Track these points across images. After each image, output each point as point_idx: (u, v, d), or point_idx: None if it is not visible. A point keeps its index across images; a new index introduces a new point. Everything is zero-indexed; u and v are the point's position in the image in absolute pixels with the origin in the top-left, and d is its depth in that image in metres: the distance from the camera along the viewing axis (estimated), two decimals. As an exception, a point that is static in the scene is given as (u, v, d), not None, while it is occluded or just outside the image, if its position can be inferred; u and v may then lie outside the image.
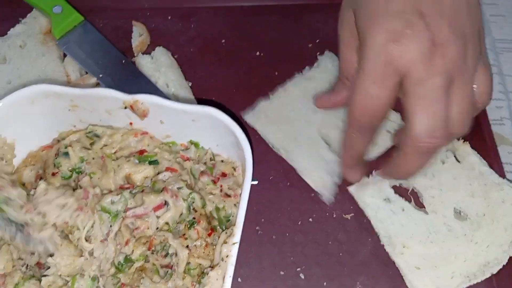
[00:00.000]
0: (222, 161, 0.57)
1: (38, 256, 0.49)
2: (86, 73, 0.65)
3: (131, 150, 0.56)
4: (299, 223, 0.59)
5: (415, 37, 0.44)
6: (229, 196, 0.55)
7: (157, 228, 0.51)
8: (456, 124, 0.47)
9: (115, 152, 0.56)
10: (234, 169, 0.57)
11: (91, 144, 0.56)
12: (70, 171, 0.54)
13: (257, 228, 0.59)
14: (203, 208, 0.53)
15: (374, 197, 0.59)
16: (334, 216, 0.59)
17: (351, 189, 0.60)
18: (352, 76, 0.51)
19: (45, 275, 0.48)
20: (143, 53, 0.67)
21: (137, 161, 0.55)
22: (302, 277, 0.56)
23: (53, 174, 0.54)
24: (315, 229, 0.59)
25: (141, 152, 0.56)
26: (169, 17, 0.72)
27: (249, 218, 0.59)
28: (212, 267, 0.49)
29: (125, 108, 0.54)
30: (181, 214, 0.52)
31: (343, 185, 0.60)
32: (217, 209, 0.54)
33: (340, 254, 0.57)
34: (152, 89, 0.63)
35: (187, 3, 0.73)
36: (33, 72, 0.65)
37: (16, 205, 0.49)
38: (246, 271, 0.56)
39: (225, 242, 0.49)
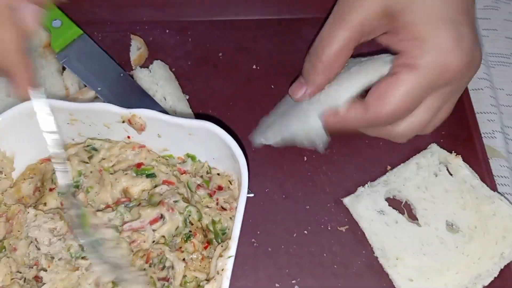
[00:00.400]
0: (218, 174, 0.58)
1: (36, 269, 0.50)
2: (85, 86, 0.66)
3: (129, 163, 0.57)
4: (294, 235, 0.60)
5: (461, 49, 0.50)
6: (224, 209, 0.55)
7: (154, 241, 0.52)
8: (431, 126, 0.57)
9: (112, 166, 0.57)
10: (230, 182, 0.57)
11: (89, 157, 0.57)
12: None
13: (252, 240, 0.59)
14: (199, 221, 0.54)
15: (368, 209, 0.60)
16: (329, 228, 0.60)
17: (346, 200, 0.61)
18: (331, 60, 0.54)
19: None
20: (141, 67, 0.68)
21: (134, 174, 0.56)
22: (297, 289, 0.57)
23: (50, 190, 0.54)
24: (310, 241, 0.59)
25: (139, 165, 0.57)
26: (167, 31, 0.73)
27: (245, 230, 0.59)
28: (208, 280, 0.50)
29: (123, 122, 0.55)
30: (177, 228, 0.53)
31: (337, 197, 0.62)
32: (213, 222, 0.54)
33: (335, 266, 0.58)
34: (150, 102, 0.64)
35: (184, 17, 0.74)
36: (32, 85, 0.65)
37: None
38: (242, 283, 0.57)
39: (220, 256, 0.49)
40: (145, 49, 0.70)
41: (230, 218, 0.55)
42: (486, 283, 0.55)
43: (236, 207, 0.50)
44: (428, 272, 0.56)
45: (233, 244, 0.48)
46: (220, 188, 0.57)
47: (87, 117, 0.55)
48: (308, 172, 0.64)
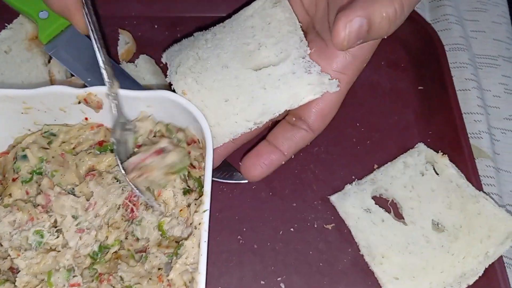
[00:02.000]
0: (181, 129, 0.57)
1: (10, 260, 0.50)
2: (72, 75, 0.65)
3: (90, 143, 0.57)
4: (281, 232, 0.60)
5: None
6: (194, 167, 0.55)
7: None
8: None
9: (74, 148, 0.56)
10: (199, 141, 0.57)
11: (49, 143, 0.56)
12: (30, 173, 0.54)
13: (238, 237, 0.59)
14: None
15: (355, 207, 0.60)
16: (315, 226, 0.60)
17: (333, 198, 0.61)
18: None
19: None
20: (127, 62, 0.68)
21: (98, 152, 0.56)
22: (283, 286, 0.57)
23: (14, 180, 0.54)
24: (296, 238, 0.59)
25: (100, 143, 0.57)
26: (156, 26, 0.73)
27: (231, 227, 0.59)
28: (186, 238, 0.50)
29: (79, 103, 0.54)
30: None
31: (324, 195, 0.61)
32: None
33: (320, 263, 0.58)
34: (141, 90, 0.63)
35: (174, 12, 0.74)
36: (17, 77, 0.64)
37: None
38: (227, 279, 0.57)
39: (196, 212, 0.49)
40: (133, 44, 0.70)
41: (199, 177, 0.54)
42: (471, 282, 0.55)
43: (204, 166, 0.51)
44: (413, 270, 0.56)
45: (207, 198, 0.49)
46: (193, 141, 0.56)
47: (42, 103, 0.54)
48: (296, 169, 0.64)
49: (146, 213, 0.52)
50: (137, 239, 0.52)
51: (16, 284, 0.48)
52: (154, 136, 0.56)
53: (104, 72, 0.53)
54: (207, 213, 0.48)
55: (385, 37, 0.51)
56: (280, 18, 0.56)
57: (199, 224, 0.49)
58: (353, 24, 0.47)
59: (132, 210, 0.53)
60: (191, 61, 0.55)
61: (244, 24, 0.57)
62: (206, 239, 0.47)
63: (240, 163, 0.57)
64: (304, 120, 0.54)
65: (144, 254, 0.51)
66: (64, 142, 0.56)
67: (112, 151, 0.55)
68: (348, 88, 0.54)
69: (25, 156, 0.54)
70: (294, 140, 0.55)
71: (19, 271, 0.49)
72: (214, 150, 0.53)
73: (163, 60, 0.59)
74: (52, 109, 0.55)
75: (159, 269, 0.50)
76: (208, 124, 0.52)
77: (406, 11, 0.49)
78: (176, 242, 0.51)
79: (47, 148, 0.56)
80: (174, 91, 0.54)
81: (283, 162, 0.56)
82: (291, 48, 0.53)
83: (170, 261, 0.50)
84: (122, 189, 0.53)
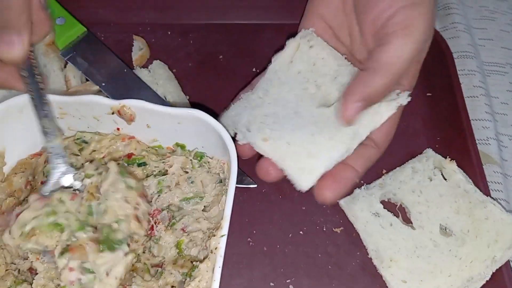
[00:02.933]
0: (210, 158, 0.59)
1: (30, 262, 0.51)
2: (87, 80, 0.67)
3: (119, 154, 0.58)
4: (290, 235, 0.61)
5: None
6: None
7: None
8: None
9: (103, 157, 0.58)
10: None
11: (80, 150, 0.58)
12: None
13: (248, 239, 0.60)
14: None
15: (364, 211, 0.60)
16: (324, 229, 0.61)
17: (342, 202, 0.61)
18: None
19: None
20: (140, 67, 0.70)
21: (125, 164, 0.57)
22: (292, 288, 0.58)
23: (42, 183, 0.55)
24: (305, 241, 0.60)
25: (129, 155, 0.58)
26: (169, 33, 0.74)
27: (241, 229, 0.60)
28: (201, 261, 0.50)
29: (112, 113, 0.55)
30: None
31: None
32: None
33: (329, 266, 0.59)
34: (154, 97, 0.65)
35: (186, 20, 0.76)
36: (34, 82, 0.66)
37: None
38: (237, 281, 0.57)
39: (213, 235, 0.50)
40: (147, 50, 0.71)
41: (218, 202, 0.56)
42: (478, 286, 0.56)
43: (227, 190, 0.51)
44: (421, 274, 0.56)
45: (225, 223, 0.49)
46: None
47: (77, 110, 0.56)
48: (305, 174, 0.64)
49: (165, 234, 0.54)
50: (154, 255, 0.53)
51: (32, 286, 0.49)
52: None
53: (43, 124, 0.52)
54: (225, 238, 0.49)
55: None
56: (323, 56, 0.58)
57: (215, 248, 0.49)
58: (357, 107, 0.50)
59: (152, 228, 0.54)
60: (260, 118, 0.55)
61: (289, 72, 0.59)
62: (221, 265, 0.47)
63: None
64: (371, 138, 0.55)
65: (160, 269, 0.52)
66: (94, 151, 0.58)
67: (139, 165, 0.57)
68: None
69: None
70: (365, 157, 0.55)
71: (37, 273, 0.50)
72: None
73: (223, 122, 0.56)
74: (86, 117, 0.57)
75: (172, 286, 0.51)
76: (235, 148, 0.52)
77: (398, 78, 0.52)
78: (191, 262, 0.52)
79: (78, 155, 0.57)
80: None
81: (357, 180, 0.55)
82: (348, 78, 0.55)
83: (184, 280, 0.51)
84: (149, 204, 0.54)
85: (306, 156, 0.52)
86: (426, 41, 0.54)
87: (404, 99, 0.54)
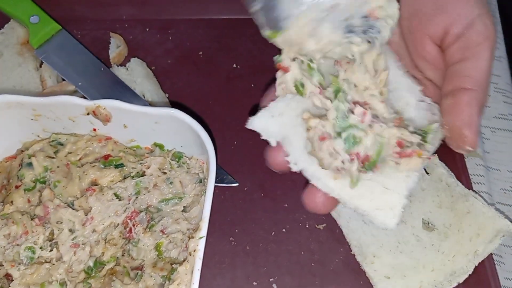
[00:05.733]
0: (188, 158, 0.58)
1: (6, 269, 0.50)
2: (63, 80, 0.65)
3: (96, 156, 0.57)
4: (273, 233, 0.60)
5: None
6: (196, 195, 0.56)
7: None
8: None
9: (79, 159, 0.57)
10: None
11: (55, 152, 0.57)
12: (34, 182, 0.55)
13: (231, 238, 0.59)
14: None
15: (346, 207, 0.60)
16: (307, 226, 0.61)
17: (324, 199, 0.61)
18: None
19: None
20: (118, 65, 0.68)
21: (102, 166, 0.56)
22: (275, 287, 0.57)
23: (17, 187, 0.54)
24: (288, 239, 0.60)
25: (106, 157, 0.57)
26: (147, 29, 0.73)
27: (223, 228, 0.60)
28: (180, 263, 0.50)
29: (88, 114, 0.54)
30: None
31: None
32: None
33: (312, 264, 0.58)
34: (132, 96, 0.64)
35: (165, 15, 0.74)
36: (8, 82, 0.64)
37: None
38: (220, 281, 0.57)
39: (192, 237, 0.49)
40: (124, 47, 0.70)
41: (198, 202, 0.55)
42: (461, 280, 0.56)
43: (205, 191, 0.50)
44: (404, 269, 0.56)
45: (204, 225, 0.49)
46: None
47: (51, 111, 0.55)
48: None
49: (144, 236, 0.53)
50: (133, 257, 0.52)
51: None
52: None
53: None
54: (203, 240, 0.48)
55: None
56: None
57: (194, 251, 0.48)
58: (477, 133, 0.45)
59: (130, 231, 0.53)
60: None
61: None
62: (200, 268, 0.47)
63: None
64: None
65: (140, 272, 0.51)
66: (70, 153, 0.57)
67: (116, 166, 0.56)
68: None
69: (30, 164, 0.55)
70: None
71: (13, 279, 0.49)
72: None
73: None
74: (61, 118, 0.55)
75: None
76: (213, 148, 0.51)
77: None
78: (171, 264, 0.51)
79: (53, 157, 0.56)
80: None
81: None
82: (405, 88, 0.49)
83: (164, 282, 0.50)
84: (126, 208, 0.53)
85: (381, 192, 0.45)
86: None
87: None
